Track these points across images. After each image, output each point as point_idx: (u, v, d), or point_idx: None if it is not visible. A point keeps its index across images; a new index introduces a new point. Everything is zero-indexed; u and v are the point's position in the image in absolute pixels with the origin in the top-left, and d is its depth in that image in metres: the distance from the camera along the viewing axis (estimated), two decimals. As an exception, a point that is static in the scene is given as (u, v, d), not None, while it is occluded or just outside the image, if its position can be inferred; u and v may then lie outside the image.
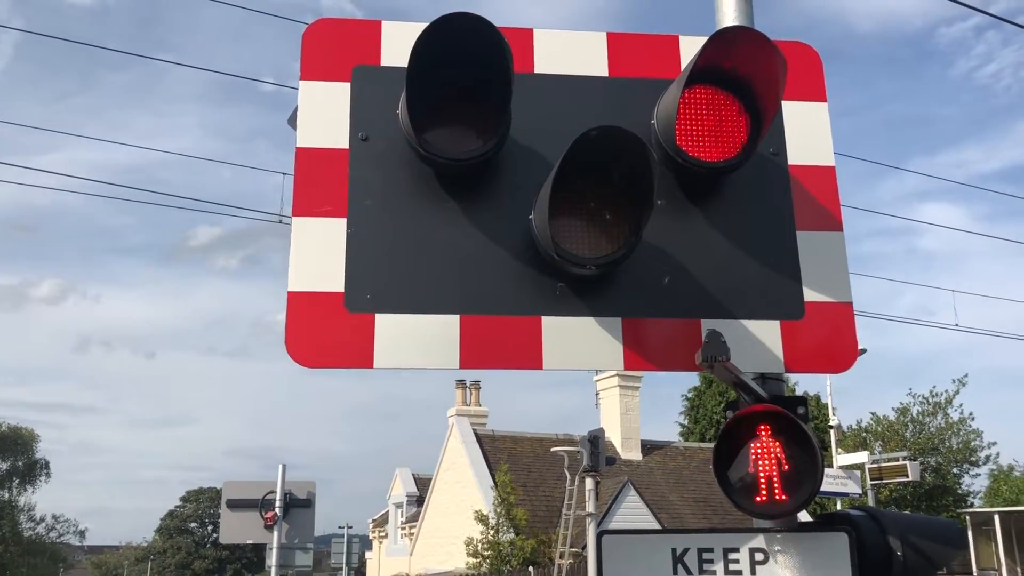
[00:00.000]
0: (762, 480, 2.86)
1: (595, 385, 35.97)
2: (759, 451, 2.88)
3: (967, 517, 33.51)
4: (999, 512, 32.81)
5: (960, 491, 42.64)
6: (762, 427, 2.89)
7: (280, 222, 16.53)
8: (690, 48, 3.20)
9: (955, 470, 42.66)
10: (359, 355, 2.79)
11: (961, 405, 43.14)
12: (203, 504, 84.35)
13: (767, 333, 2.98)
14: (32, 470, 59.61)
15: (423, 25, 2.73)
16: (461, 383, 37.71)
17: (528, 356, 2.87)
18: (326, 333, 2.79)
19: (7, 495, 58.70)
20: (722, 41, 2.77)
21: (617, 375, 34.51)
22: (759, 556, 2.96)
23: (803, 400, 3.04)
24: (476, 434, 33.56)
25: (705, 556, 2.99)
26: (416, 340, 2.82)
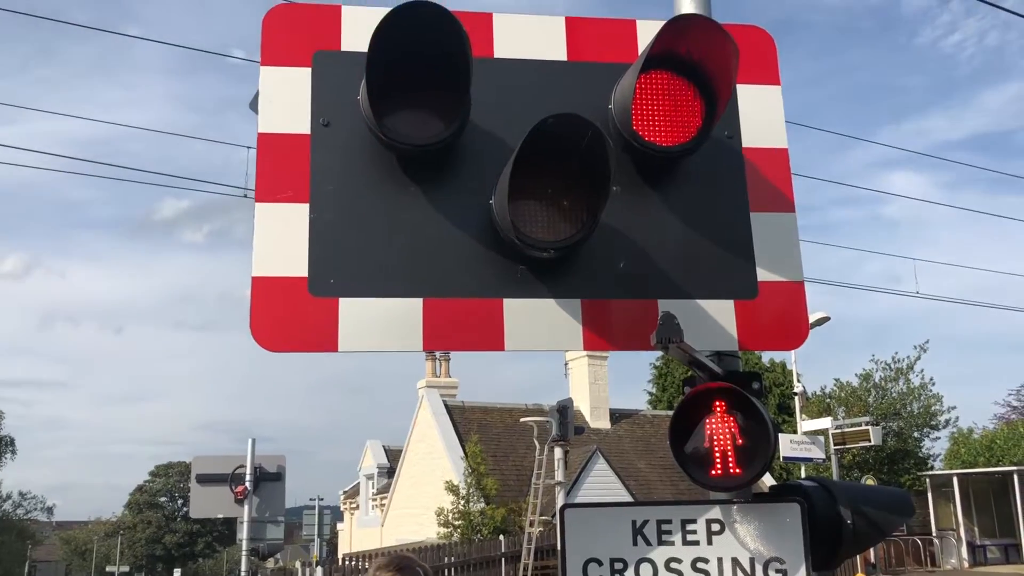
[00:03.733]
0: (717, 454, 2.96)
1: (564, 356, 36.23)
2: (714, 426, 2.98)
3: (927, 479, 34.31)
4: (957, 474, 33.64)
5: (921, 455, 43.61)
6: (717, 403, 2.99)
7: (245, 196, 16.42)
8: (647, 32, 3.25)
9: (916, 434, 43.59)
10: (324, 339, 2.84)
11: (922, 371, 43.93)
12: (173, 478, 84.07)
13: (722, 312, 3.07)
14: (-3, 447, 59.01)
15: (383, 11, 2.75)
16: (431, 355, 37.77)
17: (490, 337, 2.93)
18: (291, 318, 2.84)
19: (-28, 473, 58.12)
20: (676, 28, 2.83)
21: (586, 345, 34.72)
22: (715, 527, 3.07)
23: (758, 376, 3.14)
24: (446, 405, 33.73)
25: (664, 527, 3.10)
26: (380, 323, 2.88)
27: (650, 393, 50.18)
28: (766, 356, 44.41)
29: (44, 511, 69.41)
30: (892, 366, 43.57)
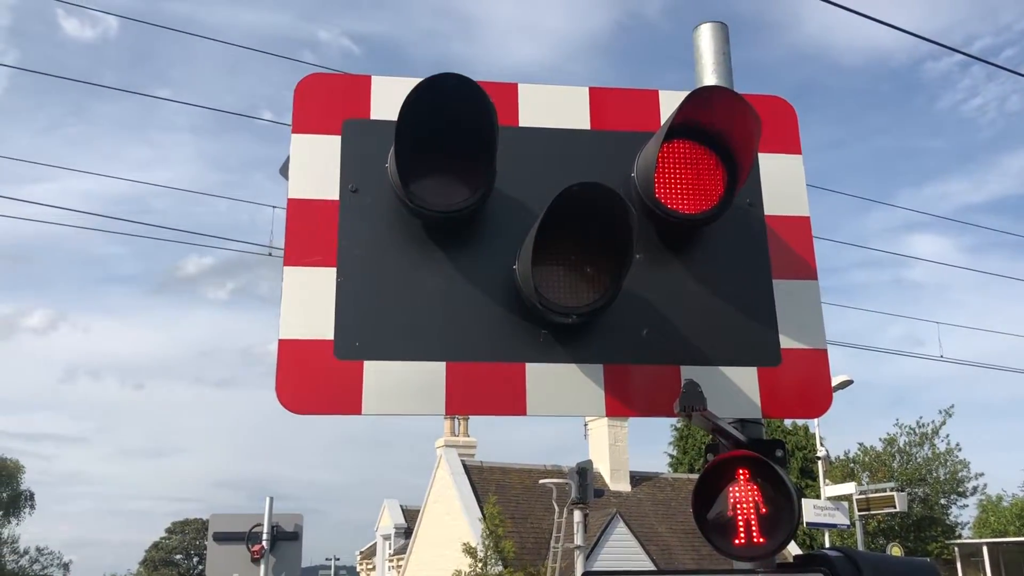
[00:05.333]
0: (740, 523, 2.94)
1: (584, 417, 35.97)
2: (737, 494, 2.96)
3: (955, 548, 33.52)
4: (987, 543, 32.85)
5: (948, 522, 42.67)
6: (740, 471, 2.97)
7: (270, 254, 16.61)
8: (670, 102, 3.31)
9: (943, 501, 42.71)
10: (348, 402, 2.86)
11: (948, 436, 43.26)
12: (189, 535, 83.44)
13: (745, 379, 3.07)
14: (16, 502, 58.98)
15: (413, 81, 2.83)
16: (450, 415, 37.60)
17: (512, 402, 2.94)
18: (316, 380, 2.87)
19: (-9, 527, 58.03)
20: (699, 99, 2.88)
21: (606, 406, 34.49)
22: (739, 597, 3.03)
23: (781, 443, 3.12)
24: (464, 465, 33.44)
25: (686, 597, 3.06)
26: (403, 387, 2.90)
27: (671, 455, 49.62)
28: (789, 419, 43.91)
29: (60, 567, 68.91)
30: (917, 431, 42.95)
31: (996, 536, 35.52)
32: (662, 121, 3.24)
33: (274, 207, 17.88)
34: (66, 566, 69.43)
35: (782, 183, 3.31)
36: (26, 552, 62.76)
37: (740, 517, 2.94)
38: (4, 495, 58.33)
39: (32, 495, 60.12)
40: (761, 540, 2.92)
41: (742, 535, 2.93)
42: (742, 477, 2.97)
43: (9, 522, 59.02)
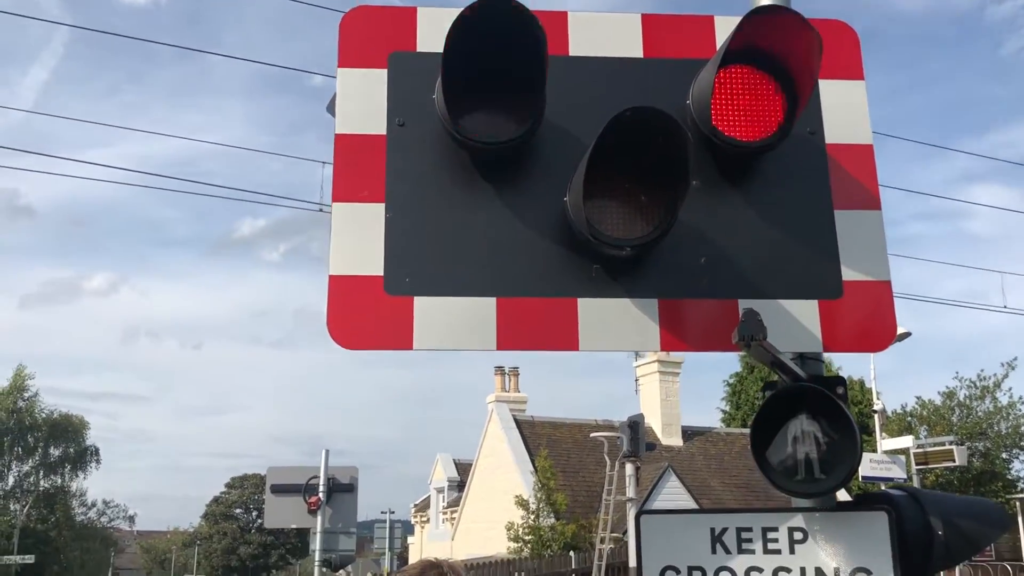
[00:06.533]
0: (801, 459, 2.87)
1: (635, 371, 35.91)
2: (797, 430, 2.89)
3: (1017, 503, 32.95)
4: (1049, 497, 32.21)
5: (1010, 476, 41.92)
6: (801, 406, 2.89)
7: (320, 211, 16.71)
8: (725, 28, 3.18)
9: (1004, 455, 41.95)
10: (399, 337, 2.84)
11: (1011, 389, 42.31)
12: (248, 490, 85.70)
13: (805, 312, 2.97)
14: (83, 457, 60.99)
15: (458, 10, 2.75)
16: (500, 369, 37.85)
17: (564, 337, 2.89)
18: (366, 316, 2.85)
19: (59, 480, 60.18)
20: (757, 21, 2.76)
21: (657, 360, 34.40)
22: (798, 535, 2.97)
23: (842, 380, 3.03)
24: (515, 420, 33.71)
25: (744, 535, 3.01)
26: (454, 322, 2.87)
27: (723, 411, 49.41)
28: (843, 373, 43.35)
29: (126, 520, 71.38)
30: (978, 384, 42.08)
31: (1059, 490, 34.83)
32: (717, 48, 3.12)
33: (323, 163, 17.95)
34: (131, 519, 71.96)
35: (844, 110, 3.17)
36: (94, 504, 65.08)
37: (800, 453, 2.87)
38: (71, 450, 60.35)
39: (97, 450, 62.13)
40: (822, 476, 2.85)
41: (802, 471, 2.86)
42: (803, 413, 2.89)
43: (77, 476, 61.12)
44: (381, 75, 3.09)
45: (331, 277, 2.88)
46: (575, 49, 3.15)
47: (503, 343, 2.88)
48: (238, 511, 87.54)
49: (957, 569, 26.02)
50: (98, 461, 62.07)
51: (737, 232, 2.99)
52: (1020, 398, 41.68)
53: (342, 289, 2.87)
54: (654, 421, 33.26)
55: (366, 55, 3.11)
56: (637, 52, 3.17)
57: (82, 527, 61.69)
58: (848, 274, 3.01)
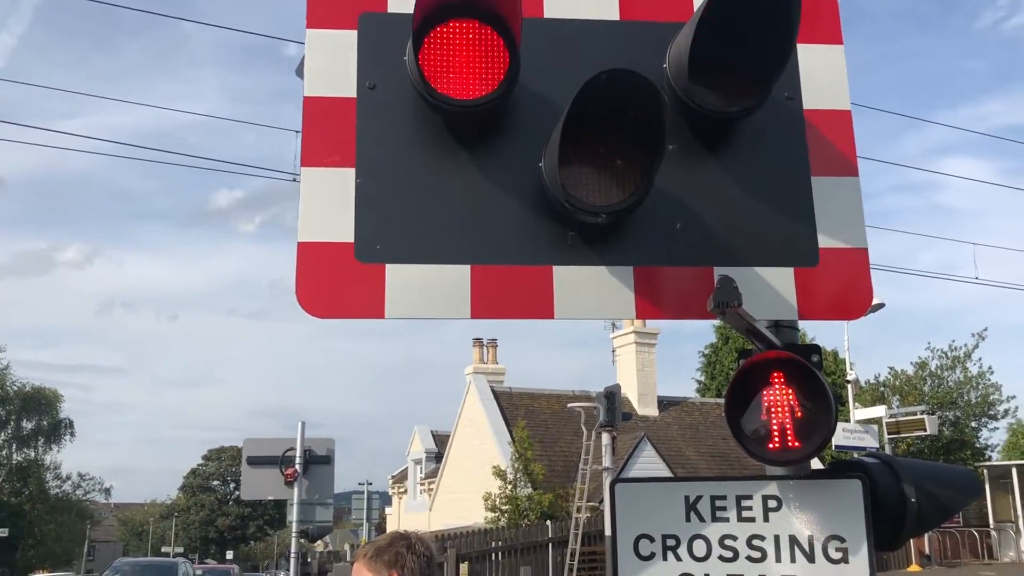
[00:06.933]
0: (775, 427, 2.85)
1: (611, 342, 36.01)
2: (772, 398, 2.87)
3: (985, 470, 33.52)
4: (1017, 465, 32.77)
5: (978, 445, 42.60)
6: (775, 374, 2.87)
7: (294, 180, 16.51)
8: (703, -10, 3.12)
9: (973, 424, 42.59)
10: (370, 305, 2.78)
11: (980, 359, 42.85)
12: (225, 463, 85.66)
13: (781, 280, 2.95)
14: (56, 429, 60.41)
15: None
16: (478, 341, 37.84)
17: (539, 306, 2.85)
18: (337, 284, 2.79)
19: (32, 454, 59.64)
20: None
21: (634, 331, 34.52)
22: (772, 503, 2.97)
23: (817, 348, 3.02)
24: (493, 391, 33.76)
25: (718, 504, 3.00)
26: (427, 290, 2.81)
27: (699, 381, 49.72)
28: (817, 343, 43.75)
29: (102, 492, 70.80)
30: (949, 354, 42.59)
31: (1026, 459, 35.42)
32: (695, 10, 3.06)
33: (297, 132, 17.72)
34: (107, 491, 71.43)
35: (822, 75, 3.13)
36: (68, 478, 64.55)
37: (775, 421, 2.86)
38: (44, 423, 59.78)
39: (71, 423, 61.52)
40: (796, 444, 2.84)
41: (776, 439, 2.85)
42: (777, 381, 2.87)
43: (51, 449, 60.59)
44: (351, 36, 3.00)
45: (300, 244, 2.81)
46: (550, 11, 3.08)
47: (477, 311, 2.84)
48: (215, 483, 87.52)
49: (926, 535, 26.48)
50: (72, 434, 61.54)
51: (713, 198, 2.95)
52: (989, 368, 42.31)
53: (312, 256, 2.80)
54: (630, 391, 33.42)
55: (335, 15, 3.02)
56: (613, 14, 3.11)
57: (57, 500, 61.24)
58: (825, 241, 2.99)
